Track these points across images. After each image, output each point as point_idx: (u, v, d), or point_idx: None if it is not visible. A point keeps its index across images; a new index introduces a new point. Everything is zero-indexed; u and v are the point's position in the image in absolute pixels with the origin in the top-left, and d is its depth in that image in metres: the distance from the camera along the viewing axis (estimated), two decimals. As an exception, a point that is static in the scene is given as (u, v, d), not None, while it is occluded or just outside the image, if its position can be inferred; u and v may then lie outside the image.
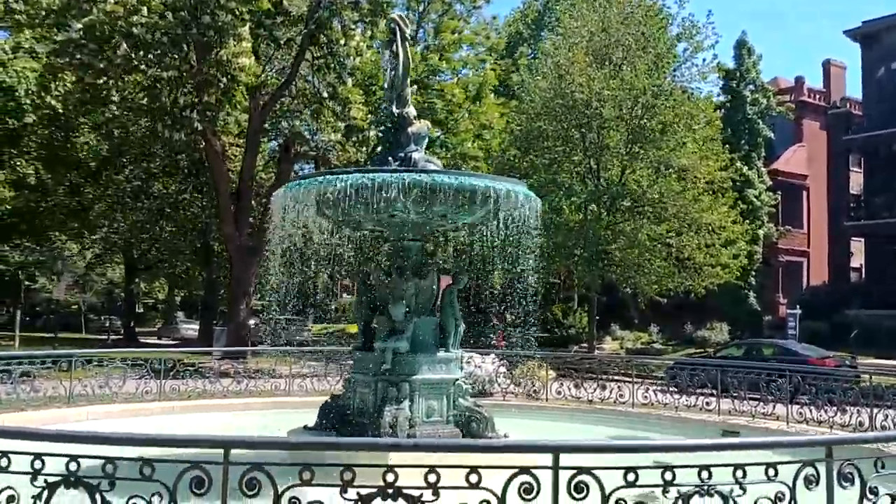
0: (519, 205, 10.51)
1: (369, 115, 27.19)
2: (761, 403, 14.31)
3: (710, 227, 30.89)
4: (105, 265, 49.83)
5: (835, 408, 13.05)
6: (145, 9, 22.43)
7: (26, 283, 54.13)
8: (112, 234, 40.99)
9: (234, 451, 4.69)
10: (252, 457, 4.83)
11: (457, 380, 10.69)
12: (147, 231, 38.90)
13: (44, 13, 25.47)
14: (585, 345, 36.47)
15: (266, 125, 29.71)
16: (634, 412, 15.68)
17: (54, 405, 13.94)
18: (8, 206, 39.30)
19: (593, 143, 31.16)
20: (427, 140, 11.23)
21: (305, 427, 11.16)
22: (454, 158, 30.93)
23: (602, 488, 4.67)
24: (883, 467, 5.31)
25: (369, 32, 27.77)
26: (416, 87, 30.67)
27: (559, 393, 16.83)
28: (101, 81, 24.25)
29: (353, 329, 54.28)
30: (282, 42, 28.13)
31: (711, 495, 4.87)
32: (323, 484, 4.58)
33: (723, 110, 37.55)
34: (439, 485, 4.57)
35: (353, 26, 27.61)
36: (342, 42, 26.67)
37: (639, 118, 30.35)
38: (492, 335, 33.37)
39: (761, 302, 40.25)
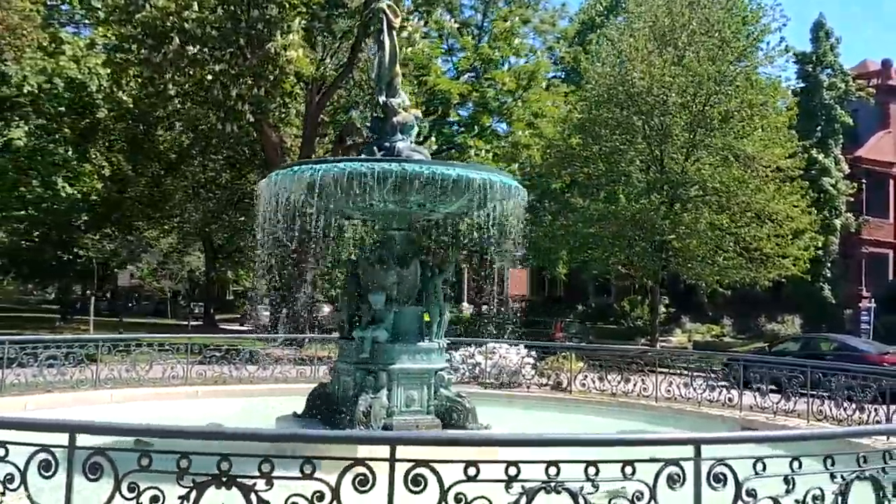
0: (501, 194, 10.42)
1: (420, 106, 27.20)
2: (783, 400, 13.80)
3: (776, 217, 29.78)
4: (184, 253, 51.62)
5: (854, 405, 12.49)
6: (196, 4, 23.04)
7: (115, 270, 56.76)
8: (184, 223, 42.46)
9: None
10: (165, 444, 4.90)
11: (439, 369, 10.66)
12: (217, 220, 40.08)
13: (109, 10, 26.57)
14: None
15: (325, 117, 30.14)
16: (656, 405, 15.38)
17: (81, 388, 14.56)
18: (97, 198, 41.26)
19: (656, 131, 30.42)
20: (416, 129, 11.19)
21: (294, 413, 11.36)
22: (509, 148, 30.71)
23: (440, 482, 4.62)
24: (764, 469, 5.07)
25: (422, 21, 27.83)
26: (466, 76, 30.81)
27: (583, 385, 16.62)
28: (158, 76, 25.00)
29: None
30: (338, 34, 28.53)
31: (559, 492, 4.74)
32: (160, 471, 4.67)
33: (798, 95, 36.08)
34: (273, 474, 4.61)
35: (407, 16, 27.74)
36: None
37: (702, 105, 29.49)
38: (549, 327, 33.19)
39: (839, 295, 38.59)
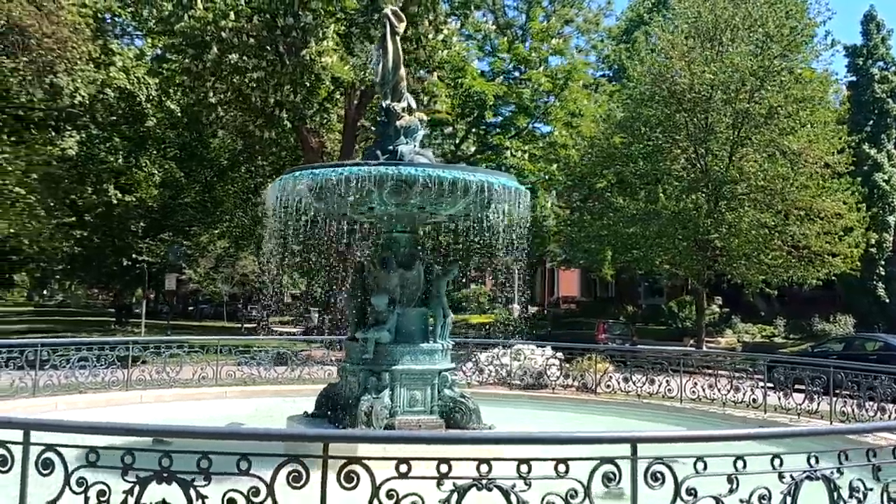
0: (503, 196, 10.47)
1: (455, 108, 27.34)
2: (806, 401, 13.55)
3: (822, 215, 29.11)
4: (236, 258, 52.64)
5: (875, 405, 12.22)
6: (233, 13, 23.54)
7: (164, 274, 58.32)
8: (234, 228, 43.34)
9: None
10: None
11: (442, 370, 10.75)
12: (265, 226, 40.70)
13: (154, 21, 27.31)
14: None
15: (365, 121, 30.43)
16: (680, 406, 15.24)
17: (114, 389, 15.03)
18: (153, 204, 42.49)
19: (699, 129, 29.99)
20: (421, 133, 11.29)
21: (305, 413, 11.57)
22: (546, 148, 30.61)
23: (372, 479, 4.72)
24: (705, 468, 5.05)
25: (458, 24, 27.95)
26: (502, 77, 30.79)
27: (608, 386, 16.54)
28: (199, 84, 25.60)
29: (476, 319, 55.05)
30: (376, 39, 28.78)
31: (490, 489, 4.80)
32: (107, 467, 4.88)
33: (849, 89, 35.21)
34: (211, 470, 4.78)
35: (443, 19, 27.91)
36: (430, 36, 26.98)
37: (746, 101, 28.98)
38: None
39: (894, 293, 37.42)
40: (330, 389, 11.42)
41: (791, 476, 5.26)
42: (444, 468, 4.72)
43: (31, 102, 31.66)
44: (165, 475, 4.78)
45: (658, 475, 4.94)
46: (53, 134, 31.92)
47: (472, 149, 31.05)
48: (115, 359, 15.09)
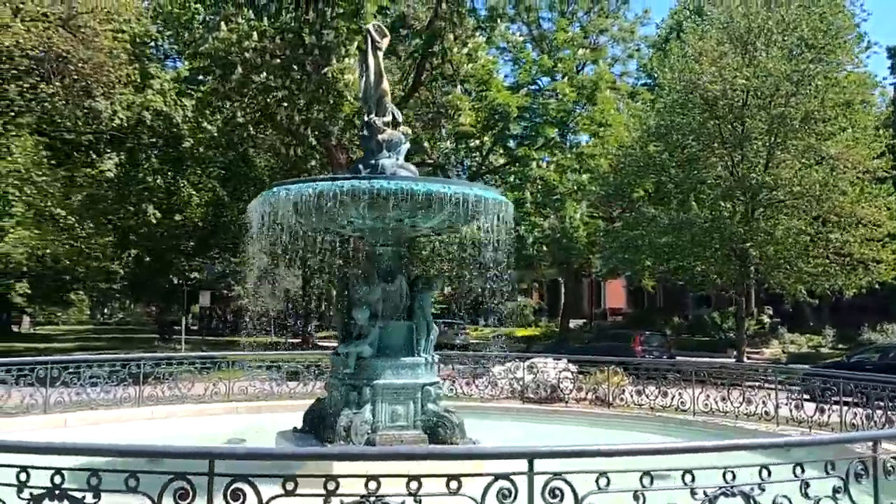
0: (479, 208, 10.36)
1: (480, 121, 27.28)
2: (817, 413, 13.12)
3: (863, 222, 28.27)
4: (276, 275, 53.23)
5: (884, 415, 11.77)
6: (256, 34, 23.89)
7: (224, 292, 59.38)
8: (274, 245, 43.75)
9: None
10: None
11: (426, 385, 10.65)
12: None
13: (183, 45, 27.91)
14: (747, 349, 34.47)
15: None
16: (693, 420, 14.89)
17: (125, 406, 15.26)
18: (199, 223, 43.25)
19: (734, 135, 29.40)
20: (405, 147, 11.26)
21: (294, 428, 11.58)
22: (573, 158, 30.32)
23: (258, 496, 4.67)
24: (608, 484, 4.89)
25: (483, 38, 27.93)
26: (526, 88, 30.61)
27: (621, 399, 16.25)
28: (228, 104, 26.03)
29: (521, 332, 54.70)
30: (402, 55, 28.96)
31: (382, 507, 4.72)
32: (4, 484, 4.93)
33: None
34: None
35: (470, 33, 27.93)
36: (455, 50, 27.00)
37: (781, 107, 28.34)
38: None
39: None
40: (317, 405, 11.43)
41: (705, 492, 5.07)
42: (331, 485, 4.66)
43: (75, 126, 32.65)
44: (57, 493, 4.81)
45: (556, 491, 4.81)
46: (95, 157, 32.79)
47: (501, 161, 30.94)
48: (126, 375, 15.31)
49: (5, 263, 28.81)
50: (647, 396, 15.79)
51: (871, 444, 5.83)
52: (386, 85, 11.42)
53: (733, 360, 30.75)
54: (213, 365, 16.80)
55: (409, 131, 11.62)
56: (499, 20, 28.83)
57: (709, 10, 32.10)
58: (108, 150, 32.58)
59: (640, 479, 4.94)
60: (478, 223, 10.73)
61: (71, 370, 14.65)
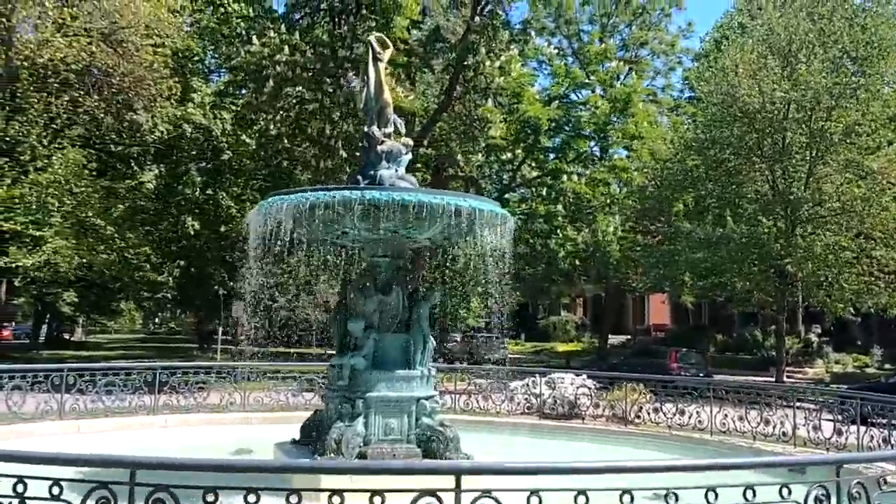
0: (475, 219, 10.22)
1: (510, 134, 27.15)
2: (835, 435, 12.69)
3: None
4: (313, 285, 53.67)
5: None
6: (287, 48, 24.14)
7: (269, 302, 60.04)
8: (310, 256, 44.10)
9: None
10: None
11: (421, 398, 10.53)
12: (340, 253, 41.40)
13: (222, 59, 28.33)
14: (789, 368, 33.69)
15: (427, 149, 30.55)
16: (708, 438, 14.51)
17: (140, 413, 15.41)
18: (244, 234, 43.64)
19: (774, 149, 28.80)
20: (406, 157, 11.20)
21: (293, 440, 11.55)
22: (606, 172, 29.99)
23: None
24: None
25: (516, 51, 27.82)
26: (557, 101, 30.38)
27: (639, 417, 15.92)
28: (262, 116, 26.32)
29: (562, 348, 54.22)
30: (436, 69, 28.99)
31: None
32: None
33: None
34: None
35: (503, 46, 27.85)
36: (487, 63, 26.92)
37: (822, 120, 27.70)
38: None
39: None
40: (315, 416, 11.39)
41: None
42: (252, 497, 4.58)
43: (120, 139, 33.35)
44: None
45: (485, 510, 4.65)
46: (136, 168, 33.42)
47: (534, 174, 30.73)
48: (141, 383, 15.47)
49: (52, 273, 29.46)
50: (664, 414, 15.46)
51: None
52: (388, 96, 11.39)
53: (771, 379, 30.01)
54: (228, 375, 16.82)
55: (411, 142, 11.56)
56: (534, 33, 28.65)
57: (749, 24, 31.56)
58: (149, 163, 33.15)
59: (575, 497, 4.76)
60: (477, 235, 10.57)
61: (86, 378, 14.85)
